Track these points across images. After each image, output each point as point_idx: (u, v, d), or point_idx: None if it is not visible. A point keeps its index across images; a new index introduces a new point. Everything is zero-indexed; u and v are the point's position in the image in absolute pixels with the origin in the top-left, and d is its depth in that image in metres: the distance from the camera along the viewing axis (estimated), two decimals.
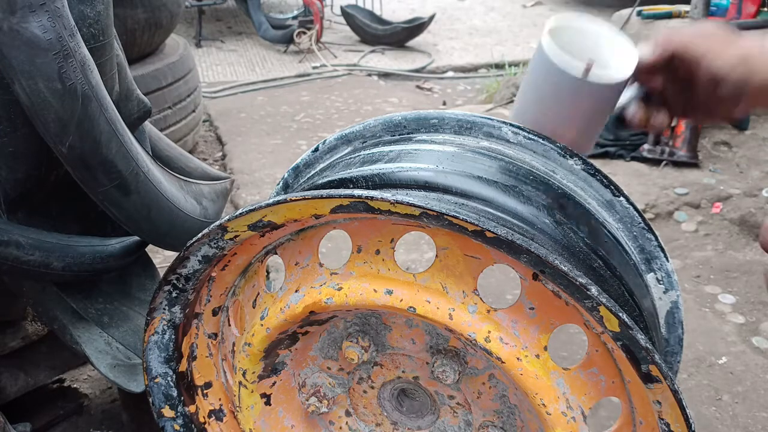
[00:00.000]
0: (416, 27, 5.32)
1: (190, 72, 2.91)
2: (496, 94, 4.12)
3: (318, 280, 0.64)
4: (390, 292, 0.60)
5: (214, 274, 0.68)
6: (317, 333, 0.69)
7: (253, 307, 0.69)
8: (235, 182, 1.78)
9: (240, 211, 0.58)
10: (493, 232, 0.51)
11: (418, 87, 4.48)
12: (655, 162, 2.99)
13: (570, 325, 0.60)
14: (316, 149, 0.83)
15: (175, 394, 0.76)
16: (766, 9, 3.25)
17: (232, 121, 3.69)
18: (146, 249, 1.12)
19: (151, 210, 0.96)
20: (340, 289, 0.62)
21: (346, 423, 0.78)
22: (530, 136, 0.73)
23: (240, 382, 0.71)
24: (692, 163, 3.05)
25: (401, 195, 0.54)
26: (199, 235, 0.60)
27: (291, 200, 0.55)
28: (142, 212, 0.95)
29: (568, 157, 0.72)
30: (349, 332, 0.70)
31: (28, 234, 0.91)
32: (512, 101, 3.96)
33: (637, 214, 0.73)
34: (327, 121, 3.72)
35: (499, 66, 4.68)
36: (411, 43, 5.39)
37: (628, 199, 0.73)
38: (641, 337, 0.50)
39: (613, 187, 0.73)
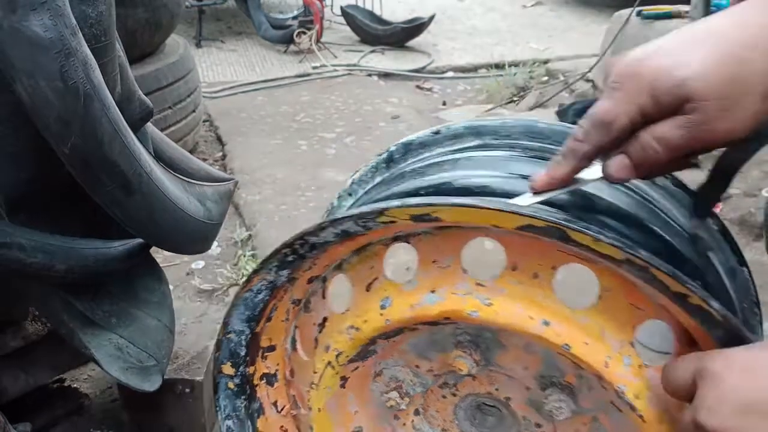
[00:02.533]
0: (416, 27, 5.31)
1: (190, 72, 2.90)
2: (495, 95, 4.12)
3: (460, 286, 0.60)
4: (547, 324, 0.56)
5: (331, 247, 0.64)
6: (422, 330, 0.66)
7: (367, 291, 0.65)
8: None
9: (412, 201, 0.54)
10: (717, 312, 0.48)
11: (418, 87, 4.48)
12: None
13: None
14: (438, 132, 0.78)
15: (242, 353, 0.73)
16: None
17: (233, 121, 3.68)
18: (149, 251, 1.12)
19: (155, 211, 0.96)
20: (489, 304, 0.58)
21: (412, 421, 0.75)
22: (677, 184, 0.69)
23: (329, 362, 0.67)
24: (692, 163, 3.04)
25: (604, 232, 0.49)
26: (352, 212, 0.56)
27: (479, 207, 0.51)
28: (145, 213, 0.94)
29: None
30: (459, 341, 0.66)
31: (31, 236, 0.91)
32: (512, 101, 3.96)
33: (752, 287, 0.69)
34: (327, 121, 3.71)
35: (498, 66, 4.67)
36: (411, 43, 5.39)
37: (749, 271, 0.70)
38: None
39: (739, 255, 0.69)
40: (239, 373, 0.74)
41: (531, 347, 0.64)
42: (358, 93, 4.21)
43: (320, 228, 0.59)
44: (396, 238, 0.64)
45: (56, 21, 0.78)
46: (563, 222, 0.49)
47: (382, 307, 0.62)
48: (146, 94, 1.10)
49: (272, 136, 3.48)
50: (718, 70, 0.48)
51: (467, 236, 0.60)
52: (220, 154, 3.35)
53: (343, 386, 0.71)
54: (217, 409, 0.76)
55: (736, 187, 2.73)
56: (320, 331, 0.69)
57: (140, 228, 0.97)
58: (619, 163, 0.53)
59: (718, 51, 0.48)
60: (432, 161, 0.73)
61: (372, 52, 5.22)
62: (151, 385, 1.06)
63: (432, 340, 0.68)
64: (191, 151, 3.00)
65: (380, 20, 5.65)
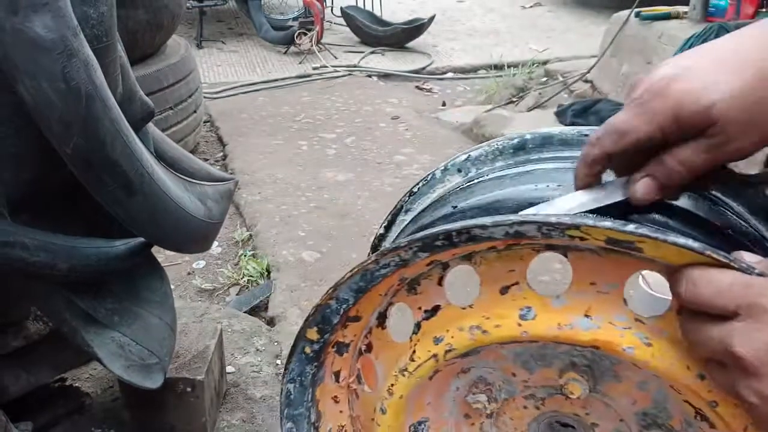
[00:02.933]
0: (416, 28, 5.32)
1: (191, 73, 2.91)
2: (495, 95, 4.13)
3: (618, 318, 0.56)
4: (702, 378, 0.53)
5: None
6: (536, 342, 0.62)
7: (502, 294, 0.60)
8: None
9: (611, 225, 0.49)
10: None
11: (417, 88, 4.49)
12: None
13: None
14: (584, 134, 0.72)
15: (335, 321, 0.69)
16: (764, 10, 3.25)
17: (233, 122, 3.69)
18: (151, 250, 1.12)
19: (156, 211, 0.96)
20: (649, 344, 0.54)
21: (482, 423, 0.72)
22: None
23: (435, 355, 0.63)
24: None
25: None
26: (549, 219, 0.51)
27: (694, 250, 0.48)
28: (146, 213, 0.95)
29: None
30: (574, 362, 0.63)
31: (34, 235, 0.91)
32: (511, 102, 3.97)
33: None
34: (327, 122, 3.72)
35: (498, 67, 4.68)
36: (411, 44, 5.40)
37: None
38: None
39: None
40: (322, 339, 0.70)
41: (645, 385, 0.62)
42: (358, 94, 4.22)
43: (495, 224, 0.53)
44: (551, 247, 0.59)
45: (58, 22, 0.78)
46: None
47: (522, 318, 0.58)
48: (147, 95, 1.11)
49: (273, 137, 3.49)
50: (743, 95, 0.49)
51: (637, 266, 0.56)
52: (221, 154, 3.36)
53: (431, 378, 0.67)
54: (285, 370, 0.72)
55: None
56: (426, 318, 0.65)
57: (142, 227, 0.97)
58: (645, 185, 0.55)
59: (745, 76, 0.50)
60: (564, 166, 0.69)
61: (372, 53, 5.23)
62: (153, 382, 1.06)
63: (541, 353, 0.65)
64: (192, 152, 3.01)
65: (380, 21, 5.66)
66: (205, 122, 3.54)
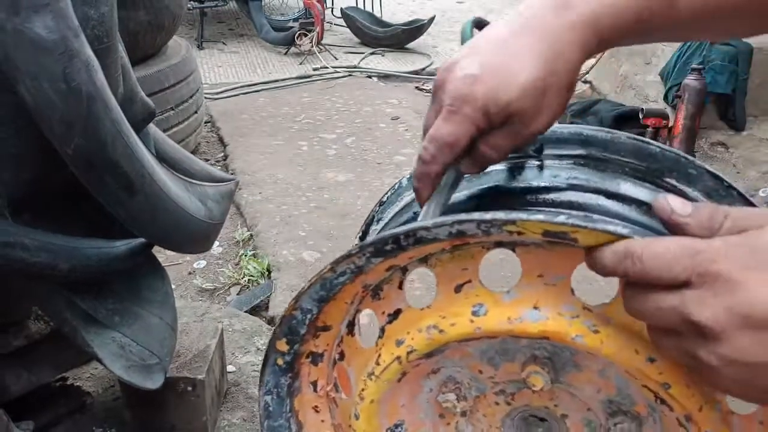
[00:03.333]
0: (416, 29, 5.32)
1: (192, 73, 2.91)
2: None
3: (566, 308, 0.58)
4: (652, 361, 0.55)
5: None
6: (497, 338, 0.64)
7: (456, 292, 0.62)
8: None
9: (554, 219, 0.51)
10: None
11: (417, 88, 4.49)
12: None
13: None
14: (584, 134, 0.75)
15: (302, 332, 0.70)
16: None
17: (234, 122, 3.69)
18: (152, 250, 1.12)
19: (157, 211, 0.96)
20: (596, 332, 0.56)
21: (457, 422, 0.73)
22: None
23: (398, 357, 0.64)
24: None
25: None
26: (485, 216, 0.54)
27: (611, 232, 0.49)
28: (147, 213, 0.95)
29: None
30: (536, 355, 0.64)
31: (34, 236, 0.91)
32: None
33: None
34: (328, 122, 3.72)
35: None
36: (411, 45, 5.40)
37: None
38: None
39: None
40: (292, 350, 0.71)
41: (606, 372, 0.63)
42: (359, 94, 4.22)
43: (437, 225, 0.56)
44: (499, 244, 0.61)
45: (59, 23, 0.78)
46: None
47: (475, 314, 0.60)
48: (148, 96, 1.11)
49: (273, 137, 3.49)
50: (533, 88, 0.58)
51: (581, 257, 0.58)
52: (222, 154, 3.36)
53: (399, 380, 0.69)
54: (261, 383, 0.73)
55: None
56: (390, 322, 0.66)
57: (143, 227, 0.98)
58: (467, 166, 0.64)
59: (533, 70, 0.58)
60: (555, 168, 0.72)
61: (372, 53, 5.23)
62: (153, 383, 1.07)
63: (503, 348, 0.66)
64: (193, 152, 3.01)
65: (380, 22, 5.66)
66: (205, 123, 3.54)
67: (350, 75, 4.67)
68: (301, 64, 4.93)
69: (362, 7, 5.86)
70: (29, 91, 0.79)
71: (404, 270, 0.67)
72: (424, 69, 4.86)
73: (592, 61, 3.91)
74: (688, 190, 0.72)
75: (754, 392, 0.46)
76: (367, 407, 0.70)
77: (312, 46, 5.00)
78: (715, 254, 0.45)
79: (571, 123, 3.43)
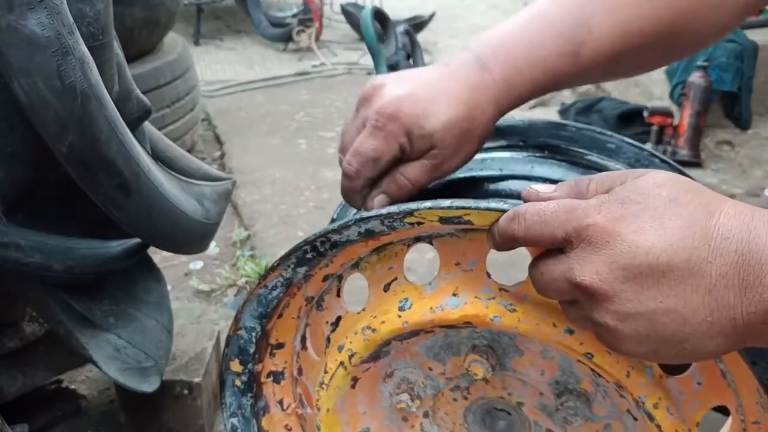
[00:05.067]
0: (416, 25, 5.31)
1: (188, 70, 2.90)
2: None
3: (484, 291, 0.60)
4: (571, 332, 0.56)
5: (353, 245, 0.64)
6: (437, 333, 0.65)
7: (385, 291, 0.64)
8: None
9: (445, 203, 0.53)
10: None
11: None
12: None
13: None
14: None
15: (251, 350, 0.72)
16: (767, 8, 3.25)
17: (231, 120, 3.68)
18: (147, 251, 1.11)
19: (152, 211, 0.95)
20: (513, 310, 0.58)
21: (421, 423, 0.74)
22: None
23: (342, 363, 0.66)
24: (694, 163, 3.04)
25: None
26: (381, 212, 0.56)
27: (494, 209, 0.52)
28: (143, 213, 0.94)
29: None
30: (475, 344, 0.65)
31: (28, 236, 0.90)
32: None
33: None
34: (327, 120, 3.71)
35: None
36: None
37: None
38: None
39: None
40: (247, 370, 0.73)
41: (548, 353, 0.64)
42: (358, 92, 4.20)
43: (344, 226, 0.58)
44: (418, 239, 0.63)
45: (53, 19, 0.77)
46: None
47: (401, 309, 0.62)
48: (144, 93, 1.09)
49: (271, 136, 3.48)
50: (454, 126, 0.62)
51: None
52: (219, 153, 3.34)
53: (353, 387, 0.70)
54: (222, 406, 0.75)
55: (738, 187, 2.73)
56: (333, 330, 0.68)
57: (138, 227, 0.96)
58: (380, 201, 0.66)
59: (456, 111, 0.62)
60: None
61: None
62: (149, 385, 1.05)
63: (447, 342, 0.67)
64: (189, 150, 2.99)
65: None
66: (202, 120, 3.53)
67: (350, 72, 4.66)
68: (299, 60, 4.92)
69: (362, 3, 5.84)
70: (23, 88, 0.78)
71: (340, 278, 0.69)
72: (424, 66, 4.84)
73: None
74: (611, 163, 0.74)
75: (662, 346, 0.45)
76: (325, 417, 0.71)
77: (311, 43, 4.98)
78: (588, 209, 0.46)
79: (575, 121, 3.43)
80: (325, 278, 0.68)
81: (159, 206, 0.97)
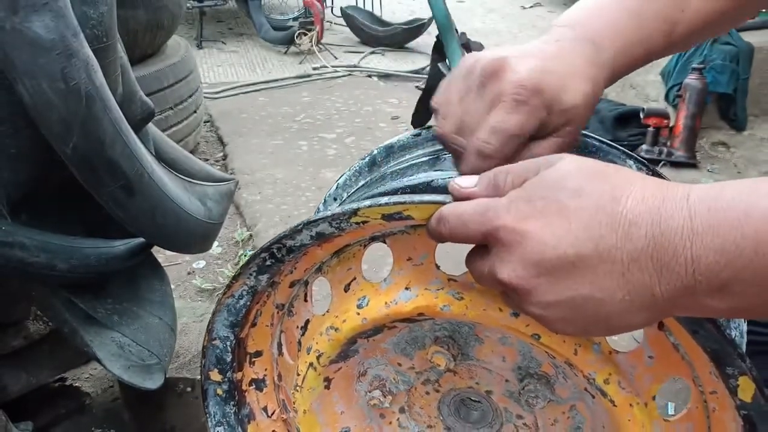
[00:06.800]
0: (416, 28, 5.32)
1: (191, 73, 2.91)
2: None
3: (434, 282, 0.61)
4: (516, 315, 0.57)
5: (309, 249, 0.64)
6: (401, 328, 0.67)
7: (345, 291, 0.66)
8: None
9: (383, 200, 0.54)
10: None
11: (417, 88, 4.48)
12: (653, 162, 3.00)
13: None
14: (418, 134, 0.78)
15: (228, 359, 0.74)
16: (765, 10, 3.25)
17: (233, 122, 3.69)
18: (151, 250, 1.12)
19: (156, 211, 0.96)
20: (461, 298, 0.59)
21: (398, 419, 0.76)
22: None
23: (311, 364, 0.68)
24: (690, 164, 3.05)
25: None
26: (326, 214, 0.57)
27: (427, 201, 0.53)
28: (146, 213, 0.95)
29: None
30: (437, 336, 0.67)
31: (33, 236, 0.91)
32: None
33: None
34: (327, 122, 3.72)
35: None
36: (411, 44, 5.39)
37: None
38: None
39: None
40: (227, 379, 0.75)
41: (506, 339, 0.65)
42: (358, 94, 4.22)
43: (295, 231, 0.60)
44: (373, 239, 0.65)
45: (58, 22, 0.78)
46: None
47: (359, 307, 0.64)
48: (147, 95, 1.11)
49: (273, 137, 3.49)
50: (591, 101, 0.59)
51: None
52: (221, 154, 3.36)
53: (327, 387, 0.72)
54: (207, 415, 0.77)
55: None
56: (303, 334, 0.70)
57: (142, 227, 0.97)
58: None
59: (590, 86, 0.59)
60: (411, 162, 0.74)
61: (372, 53, 5.23)
62: (153, 383, 1.06)
63: (411, 337, 0.69)
64: (192, 152, 3.01)
65: (380, 21, 5.66)
66: (205, 122, 3.54)
67: (350, 74, 4.67)
68: (300, 63, 4.93)
69: (362, 6, 5.85)
70: (28, 90, 0.79)
71: (306, 283, 0.71)
72: (424, 68, 4.84)
73: None
74: None
75: (590, 326, 0.47)
76: (302, 419, 0.73)
77: (312, 46, 5.00)
78: (499, 210, 0.47)
79: None
80: (292, 285, 0.70)
81: (163, 206, 0.98)
